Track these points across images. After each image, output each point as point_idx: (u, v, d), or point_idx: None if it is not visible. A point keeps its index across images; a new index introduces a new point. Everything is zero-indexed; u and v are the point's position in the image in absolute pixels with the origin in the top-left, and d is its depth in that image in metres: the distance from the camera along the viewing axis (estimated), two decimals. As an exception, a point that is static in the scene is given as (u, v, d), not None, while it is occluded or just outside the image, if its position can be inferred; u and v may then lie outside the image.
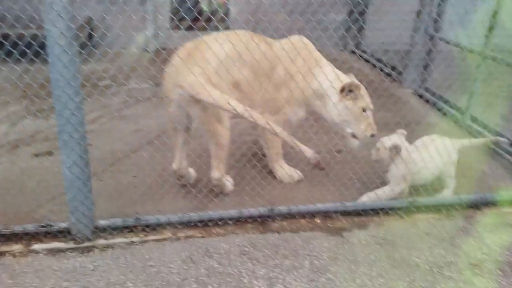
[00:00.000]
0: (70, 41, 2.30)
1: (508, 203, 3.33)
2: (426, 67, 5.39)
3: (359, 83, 3.16)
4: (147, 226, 2.85)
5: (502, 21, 4.28)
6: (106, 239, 2.77)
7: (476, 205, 3.33)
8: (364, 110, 3.20)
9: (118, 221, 2.81)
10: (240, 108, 2.78)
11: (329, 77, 3.21)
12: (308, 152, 2.85)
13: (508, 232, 3.08)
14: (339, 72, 3.31)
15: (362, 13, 3.41)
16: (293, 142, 2.86)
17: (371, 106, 3.23)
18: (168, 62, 3.03)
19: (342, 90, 3.14)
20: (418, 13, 5.30)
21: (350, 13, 5.24)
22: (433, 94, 5.36)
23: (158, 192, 3.13)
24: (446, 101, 5.06)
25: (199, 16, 2.89)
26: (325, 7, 2.93)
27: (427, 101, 5.36)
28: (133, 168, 3.51)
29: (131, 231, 2.84)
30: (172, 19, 6.44)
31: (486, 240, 2.97)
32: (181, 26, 2.91)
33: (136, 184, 3.35)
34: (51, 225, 2.73)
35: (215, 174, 3.14)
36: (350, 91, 3.13)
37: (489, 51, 4.36)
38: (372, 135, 3.25)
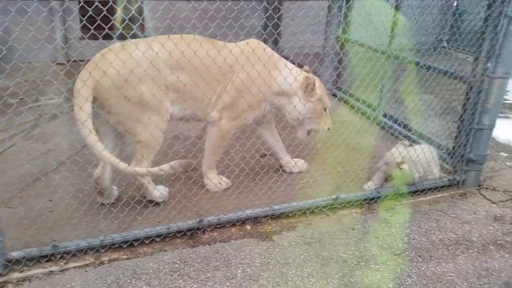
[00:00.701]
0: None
1: (404, 195, 3.57)
2: (337, 68, 5.62)
3: (313, 76, 3.39)
4: (67, 253, 2.66)
5: (401, 21, 4.58)
6: (21, 271, 2.54)
7: (397, 198, 3.51)
8: (324, 109, 3.45)
9: (33, 251, 2.59)
10: (89, 138, 2.69)
11: (291, 77, 3.34)
12: (167, 166, 2.74)
13: (424, 220, 3.29)
14: (295, 70, 3.42)
15: (272, 19, 3.47)
16: (151, 171, 2.83)
17: (329, 105, 3.50)
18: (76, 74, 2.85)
19: (305, 88, 3.34)
20: (327, 16, 5.51)
21: (263, 19, 5.33)
22: (346, 93, 5.60)
23: (75, 215, 2.91)
24: (358, 100, 5.31)
25: (104, 25, 2.68)
26: (235, 14, 2.91)
27: (340, 100, 5.59)
28: (46, 192, 3.25)
29: (49, 260, 2.63)
30: (81, 28, 6.12)
31: (406, 229, 3.15)
32: (85, 37, 2.72)
33: (50, 209, 3.11)
34: (-48, 265, 2.45)
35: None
36: (307, 86, 3.33)
37: (393, 50, 4.64)
38: (329, 129, 3.54)
